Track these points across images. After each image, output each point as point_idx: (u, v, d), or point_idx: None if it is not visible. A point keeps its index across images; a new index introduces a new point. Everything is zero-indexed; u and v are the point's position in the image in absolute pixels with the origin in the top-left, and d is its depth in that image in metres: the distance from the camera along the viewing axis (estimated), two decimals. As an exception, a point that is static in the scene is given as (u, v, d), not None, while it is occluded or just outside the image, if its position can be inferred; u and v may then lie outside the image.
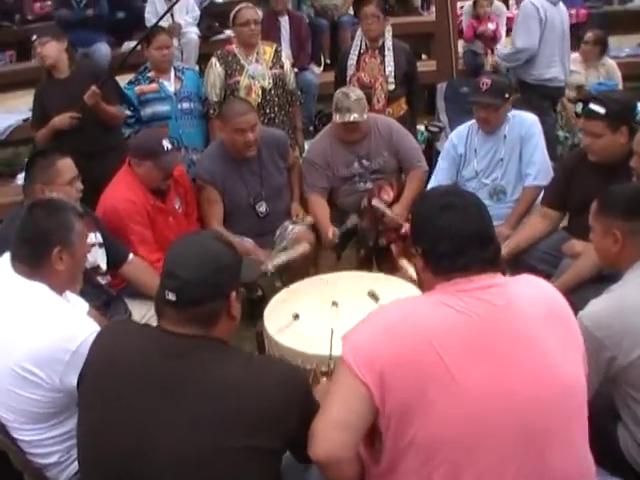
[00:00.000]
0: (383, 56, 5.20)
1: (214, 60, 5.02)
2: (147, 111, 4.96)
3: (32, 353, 2.16)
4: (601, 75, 6.35)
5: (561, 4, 5.97)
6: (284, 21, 6.84)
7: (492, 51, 7.24)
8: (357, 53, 5.26)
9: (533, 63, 5.83)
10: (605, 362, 2.25)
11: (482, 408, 1.72)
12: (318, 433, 1.78)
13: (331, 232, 4.16)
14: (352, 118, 4.18)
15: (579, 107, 5.93)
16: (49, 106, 4.66)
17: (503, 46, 6.78)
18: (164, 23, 6.60)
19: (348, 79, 5.23)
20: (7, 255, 2.38)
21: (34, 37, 4.72)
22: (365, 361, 1.75)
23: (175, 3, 6.39)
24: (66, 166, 3.26)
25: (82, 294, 2.63)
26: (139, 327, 2.10)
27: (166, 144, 3.75)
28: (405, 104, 5.37)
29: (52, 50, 4.65)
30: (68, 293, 2.47)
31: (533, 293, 1.93)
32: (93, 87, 4.49)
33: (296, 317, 2.95)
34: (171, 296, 1.83)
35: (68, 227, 2.41)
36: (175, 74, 5.05)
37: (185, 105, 5.01)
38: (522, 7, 5.96)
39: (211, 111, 5.01)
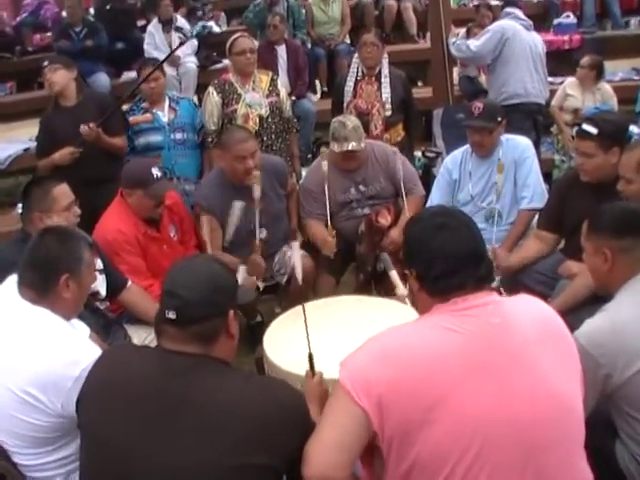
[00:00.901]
0: (380, 83, 5.26)
1: (211, 89, 5.06)
2: (141, 141, 5.01)
3: (36, 377, 2.17)
4: (597, 99, 6.38)
5: (534, 32, 6.23)
6: (281, 50, 6.95)
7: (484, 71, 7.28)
8: (354, 80, 5.32)
9: (504, 83, 5.96)
10: (601, 380, 2.27)
11: (481, 427, 1.73)
12: (312, 454, 1.78)
13: (330, 234, 4.18)
14: (350, 147, 4.21)
15: (575, 130, 5.98)
16: (55, 134, 4.71)
17: (464, 40, 6.73)
18: (163, 55, 6.69)
19: (345, 105, 5.29)
20: (11, 279, 2.40)
21: (45, 63, 4.78)
22: (362, 387, 1.76)
23: (178, 47, 6.44)
24: (62, 192, 3.27)
25: (81, 318, 2.64)
26: (138, 348, 2.14)
27: (155, 172, 3.78)
28: (402, 130, 5.44)
29: (61, 77, 4.72)
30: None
31: (530, 312, 1.95)
32: (91, 124, 4.54)
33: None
34: (171, 314, 1.86)
35: (78, 256, 2.43)
36: (169, 104, 5.09)
37: (178, 135, 5.04)
38: (494, 25, 6.23)
39: (209, 140, 5.05)
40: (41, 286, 2.34)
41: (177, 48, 6.37)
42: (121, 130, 4.84)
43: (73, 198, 3.31)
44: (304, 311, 2.48)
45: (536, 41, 6.12)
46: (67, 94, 4.77)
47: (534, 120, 6.01)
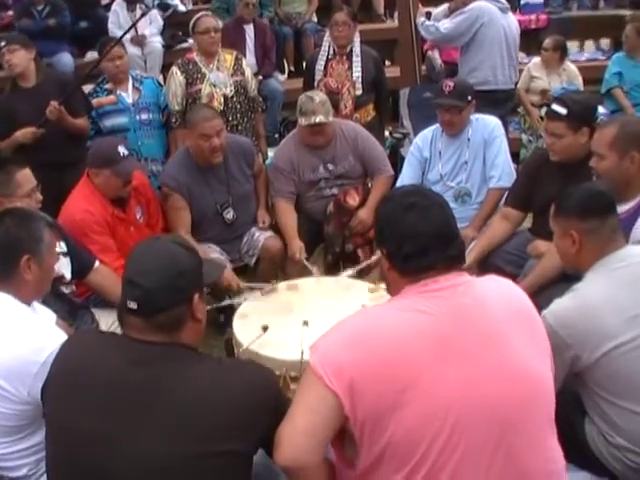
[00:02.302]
0: (351, 62, 5.24)
1: (175, 69, 5.01)
2: (106, 124, 4.90)
3: (0, 366, 2.13)
4: (563, 80, 6.43)
5: (510, 13, 6.07)
6: (249, 29, 6.87)
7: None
8: (325, 59, 5.30)
9: (474, 69, 5.84)
10: (569, 359, 2.29)
11: (453, 408, 1.73)
12: (284, 439, 1.77)
13: (298, 251, 4.09)
14: (317, 120, 4.18)
15: (544, 111, 5.99)
16: (15, 115, 4.60)
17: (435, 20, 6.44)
18: (128, 35, 6.60)
19: (316, 84, 5.26)
20: None
21: (2, 44, 4.66)
22: (334, 370, 1.75)
23: (140, 18, 6.34)
24: (24, 177, 3.20)
25: (46, 304, 2.61)
26: (104, 336, 2.08)
27: (122, 150, 3.72)
28: (373, 110, 5.42)
29: (20, 58, 4.62)
30: (35, 303, 2.44)
31: (499, 293, 1.95)
32: (53, 103, 4.45)
33: (265, 329, 2.92)
34: (133, 305, 1.81)
35: (37, 237, 2.40)
36: (133, 85, 5.00)
37: (144, 116, 4.97)
38: (470, 7, 5.92)
39: (173, 120, 4.99)
40: (2, 269, 2.31)
41: (138, 20, 6.28)
42: (83, 111, 4.75)
43: (35, 184, 3.25)
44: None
45: (511, 24, 5.95)
46: (27, 75, 4.67)
47: (503, 106, 5.93)
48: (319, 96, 4.27)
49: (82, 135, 4.78)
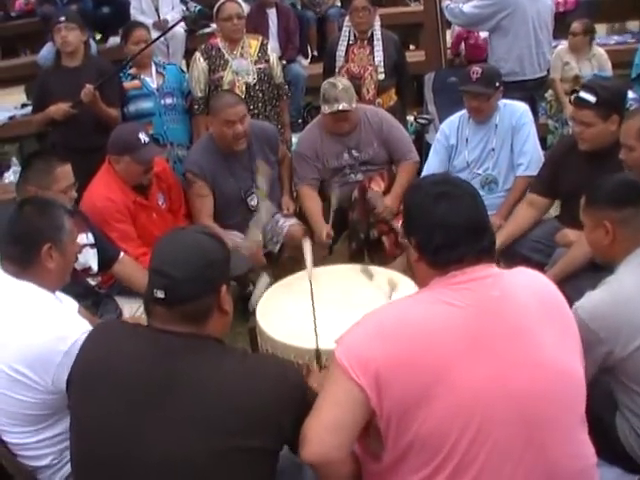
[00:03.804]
0: (372, 47, 5.18)
1: (198, 55, 4.97)
2: (130, 108, 4.90)
3: (23, 354, 2.13)
4: (594, 66, 6.28)
5: None
6: (272, 14, 6.81)
7: None
8: (346, 44, 5.23)
9: (501, 58, 5.66)
10: (601, 354, 2.24)
11: (482, 402, 1.71)
12: (310, 435, 1.75)
13: (325, 233, 4.10)
14: (341, 107, 4.15)
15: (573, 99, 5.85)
16: (54, 91, 4.66)
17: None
18: (149, 20, 6.57)
19: (337, 70, 5.20)
20: None
21: (62, 18, 4.72)
22: (360, 363, 1.72)
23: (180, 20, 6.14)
24: (64, 173, 3.21)
25: (72, 295, 2.60)
26: (129, 327, 2.06)
27: (143, 137, 3.72)
28: (395, 95, 5.37)
29: (75, 38, 4.72)
30: (58, 292, 2.44)
31: (528, 284, 1.92)
32: (89, 86, 4.47)
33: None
34: (160, 294, 1.79)
35: (58, 225, 2.39)
36: (157, 70, 5.00)
37: (168, 100, 4.96)
38: None
39: (195, 107, 4.97)
40: (24, 259, 2.30)
41: (177, 23, 6.17)
42: (117, 101, 4.76)
43: (73, 181, 3.26)
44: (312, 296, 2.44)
45: (541, 8, 5.71)
46: (75, 55, 4.75)
47: (530, 97, 5.76)
48: (342, 82, 4.23)
49: (112, 125, 4.77)
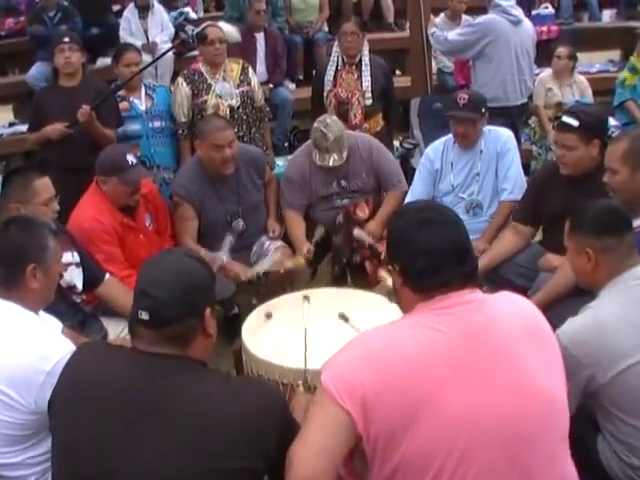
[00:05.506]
0: (360, 72, 5.21)
1: (180, 80, 4.98)
2: (118, 130, 4.89)
3: (6, 374, 2.11)
4: (575, 92, 6.37)
5: (525, 23, 5.86)
6: (260, 38, 6.87)
7: None
8: (334, 69, 5.26)
9: (484, 85, 5.69)
10: (584, 379, 2.26)
11: (467, 425, 1.72)
12: (296, 459, 1.74)
13: (306, 248, 4.17)
14: (331, 163, 4.20)
15: (556, 123, 5.89)
16: (50, 111, 4.66)
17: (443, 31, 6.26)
18: (139, 42, 6.60)
19: (325, 95, 5.23)
20: None
21: (67, 39, 4.73)
22: (346, 388, 1.73)
23: (179, 44, 6.05)
24: (43, 186, 3.19)
25: (57, 313, 2.59)
26: (113, 349, 2.05)
27: (130, 158, 3.73)
28: (382, 120, 5.40)
29: (77, 59, 4.73)
30: (42, 313, 2.43)
31: (512, 309, 1.93)
32: (85, 106, 4.48)
33: (268, 316, 2.98)
34: (144, 315, 1.79)
35: (43, 245, 2.38)
36: (146, 92, 5.02)
37: (156, 124, 4.98)
38: (480, 21, 5.89)
39: (179, 131, 4.98)
40: (8, 279, 2.29)
41: (174, 46, 6.13)
42: (113, 122, 4.76)
43: (53, 193, 3.24)
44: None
45: (523, 36, 5.78)
46: (74, 76, 4.76)
47: (512, 123, 5.84)
48: (333, 132, 4.17)
49: (107, 145, 4.75)
